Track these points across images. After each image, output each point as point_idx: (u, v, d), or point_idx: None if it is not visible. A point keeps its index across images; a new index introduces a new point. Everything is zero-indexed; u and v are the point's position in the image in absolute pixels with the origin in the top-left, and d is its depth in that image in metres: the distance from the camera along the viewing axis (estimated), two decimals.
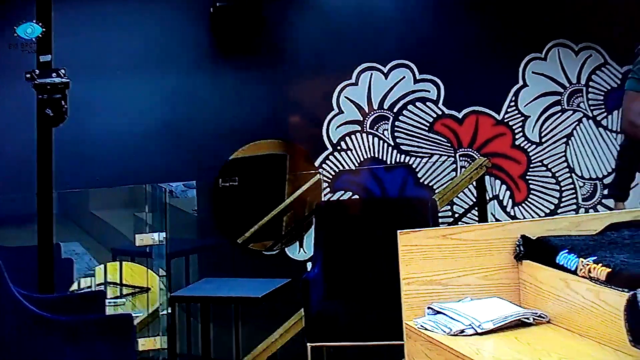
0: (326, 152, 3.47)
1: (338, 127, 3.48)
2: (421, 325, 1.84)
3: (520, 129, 3.56)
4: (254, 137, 3.41)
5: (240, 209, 3.39)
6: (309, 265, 3.31)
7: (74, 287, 3.16)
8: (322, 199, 3.41)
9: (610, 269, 1.63)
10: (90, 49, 3.29)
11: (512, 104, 3.56)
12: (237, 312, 3.17)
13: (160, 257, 3.23)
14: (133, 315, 2.47)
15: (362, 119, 3.50)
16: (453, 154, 3.51)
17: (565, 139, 3.58)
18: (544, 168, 3.57)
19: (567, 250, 1.80)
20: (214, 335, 3.09)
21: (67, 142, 3.09)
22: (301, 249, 3.41)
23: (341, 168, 3.46)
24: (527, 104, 3.57)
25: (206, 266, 3.38)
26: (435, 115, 3.51)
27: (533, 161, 3.56)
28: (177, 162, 3.35)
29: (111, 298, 3.15)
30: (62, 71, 2.60)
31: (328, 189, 3.44)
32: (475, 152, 3.52)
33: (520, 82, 3.57)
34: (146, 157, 3.31)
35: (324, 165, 3.46)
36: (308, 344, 2.75)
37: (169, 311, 3.15)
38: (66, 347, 2.21)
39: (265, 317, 3.22)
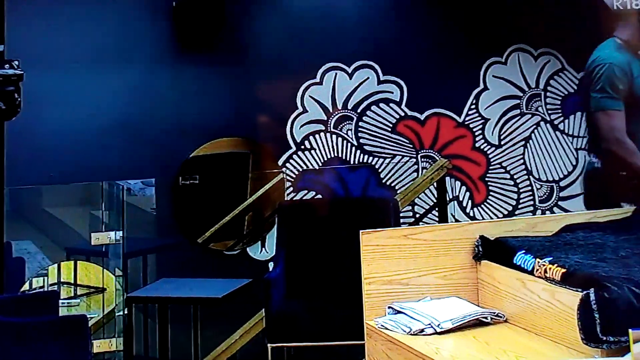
0: (290, 151, 3.45)
1: (302, 126, 3.47)
2: (382, 325, 1.84)
3: (480, 132, 3.62)
4: (215, 134, 3.36)
5: (201, 207, 3.34)
6: (271, 266, 3.28)
7: (26, 287, 3.05)
8: (285, 199, 3.38)
9: (565, 269, 1.67)
10: (46, 40, 3.17)
11: (473, 106, 3.62)
12: (196, 313, 3.12)
13: (117, 257, 3.15)
14: (88, 316, 2.40)
15: (326, 118, 3.49)
16: (415, 155, 3.54)
17: (523, 142, 3.66)
18: (503, 170, 3.64)
19: (524, 251, 1.83)
20: (172, 337, 3.03)
21: (20, 136, 2.97)
22: (263, 248, 3.37)
23: (305, 167, 3.45)
24: (487, 107, 3.63)
25: (165, 266, 3.31)
26: (398, 117, 3.54)
27: (492, 163, 3.63)
28: (135, 159, 3.27)
29: (65, 298, 3.05)
30: (16, 62, 2.50)
31: (291, 189, 3.42)
32: (436, 153, 3.56)
33: (481, 86, 3.63)
34: (103, 154, 3.22)
35: (287, 165, 3.44)
36: (269, 345, 2.72)
37: (126, 312, 3.08)
38: (17, 350, 2.12)
39: (226, 318, 3.18)
